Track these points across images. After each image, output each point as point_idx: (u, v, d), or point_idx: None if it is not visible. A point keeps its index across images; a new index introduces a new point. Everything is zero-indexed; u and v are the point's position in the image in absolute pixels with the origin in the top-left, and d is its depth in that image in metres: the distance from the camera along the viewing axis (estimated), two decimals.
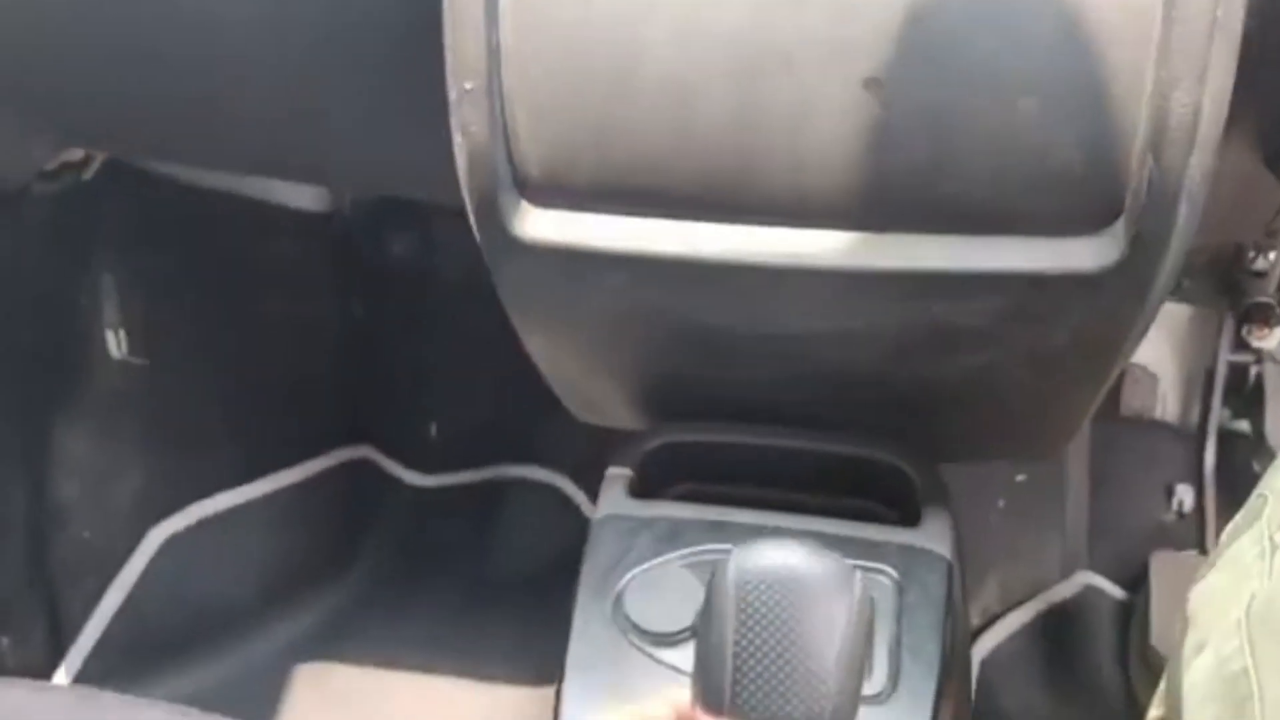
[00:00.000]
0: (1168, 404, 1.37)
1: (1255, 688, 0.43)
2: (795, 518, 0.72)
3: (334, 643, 1.34)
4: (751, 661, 0.42)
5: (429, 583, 1.41)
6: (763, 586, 0.43)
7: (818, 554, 0.43)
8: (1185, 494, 1.31)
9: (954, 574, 0.69)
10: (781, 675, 0.42)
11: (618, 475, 0.77)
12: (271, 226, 1.35)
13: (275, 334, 1.39)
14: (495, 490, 1.47)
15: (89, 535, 1.27)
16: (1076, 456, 1.38)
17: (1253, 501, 0.52)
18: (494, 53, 0.61)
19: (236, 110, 0.88)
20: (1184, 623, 0.51)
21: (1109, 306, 0.61)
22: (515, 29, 0.60)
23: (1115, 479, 1.35)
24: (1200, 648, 0.47)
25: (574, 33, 0.60)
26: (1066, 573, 1.30)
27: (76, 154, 1.16)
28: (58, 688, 1.12)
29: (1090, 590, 1.28)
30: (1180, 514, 1.31)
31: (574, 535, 0.81)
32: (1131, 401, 1.37)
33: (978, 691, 1.20)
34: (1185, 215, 0.56)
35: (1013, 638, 1.26)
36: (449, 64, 0.62)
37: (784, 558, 0.43)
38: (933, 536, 0.70)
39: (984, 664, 1.22)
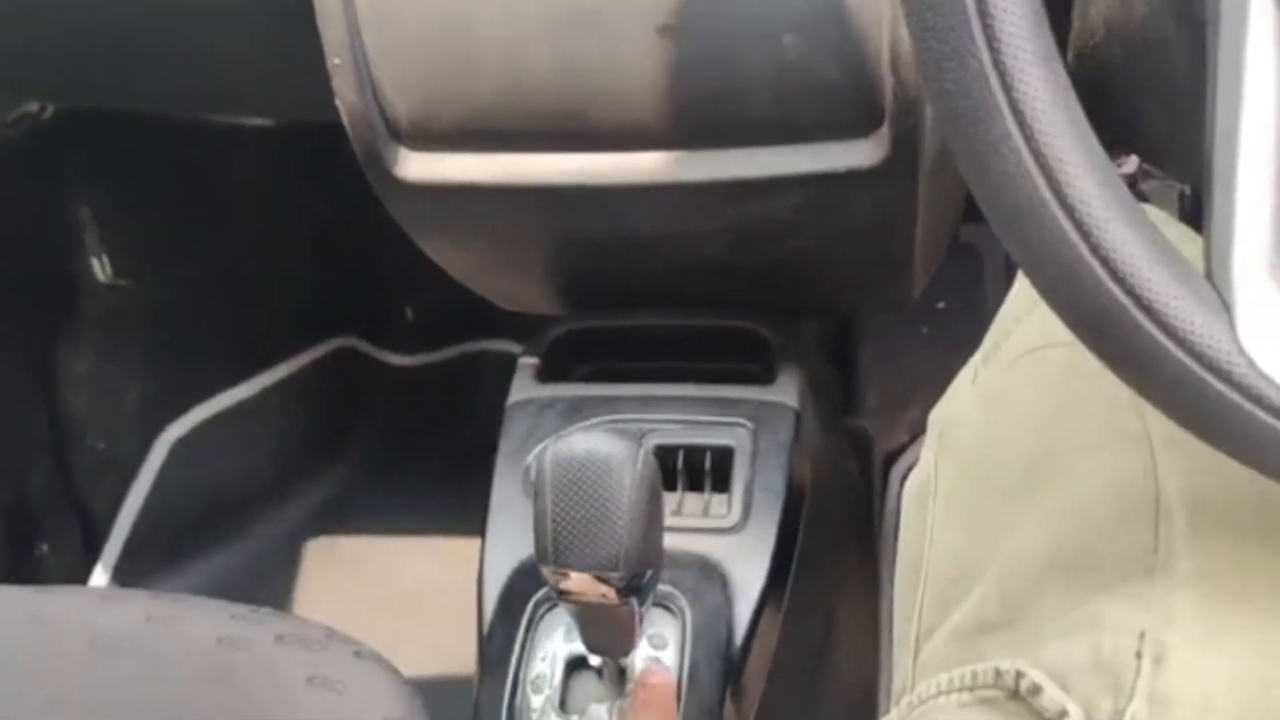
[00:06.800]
0: None
1: (932, 488, 0.55)
2: (672, 386, 0.85)
3: (337, 518, 1.45)
4: (565, 522, 0.55)
5: (417, 454, 1.50)
6: (571, 466, 0.55)
7: (611, 438, 0.56)
8: None
9: (800, 421, 0.82)
10: (588, 530, 0.55)
11: (526, 364, 0.90)
12: (228, 143, 1.41)
13: (249, 241, 1.45)
14: (469, 364, 1.56)
15: (104, 445, 1.37)
16: (994, 284, 1.48)
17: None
18: (354, 29, 0.72)
19: (167, 55, 0.98)
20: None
21: (890, 192, 0.72)
22: (369, 7, 0.71)
23: None
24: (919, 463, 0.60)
25: (417, 6, 0.71)
26: None
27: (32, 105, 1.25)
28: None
29: None
30: None
31: None
32: None
33: (900, 499, 1.33)
34: (932, 116, 0.67)
35: None
36: (323, 40, 0.73)
37: (586, 443, 0.56)
38: (783, 390, 0.83)
39: (905, 476, 1.35)
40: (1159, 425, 0.38)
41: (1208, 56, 0.36)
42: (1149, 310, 0.35)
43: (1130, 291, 0.35)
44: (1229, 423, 0.34)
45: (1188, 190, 0.69)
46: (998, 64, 0.36)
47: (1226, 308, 0.35)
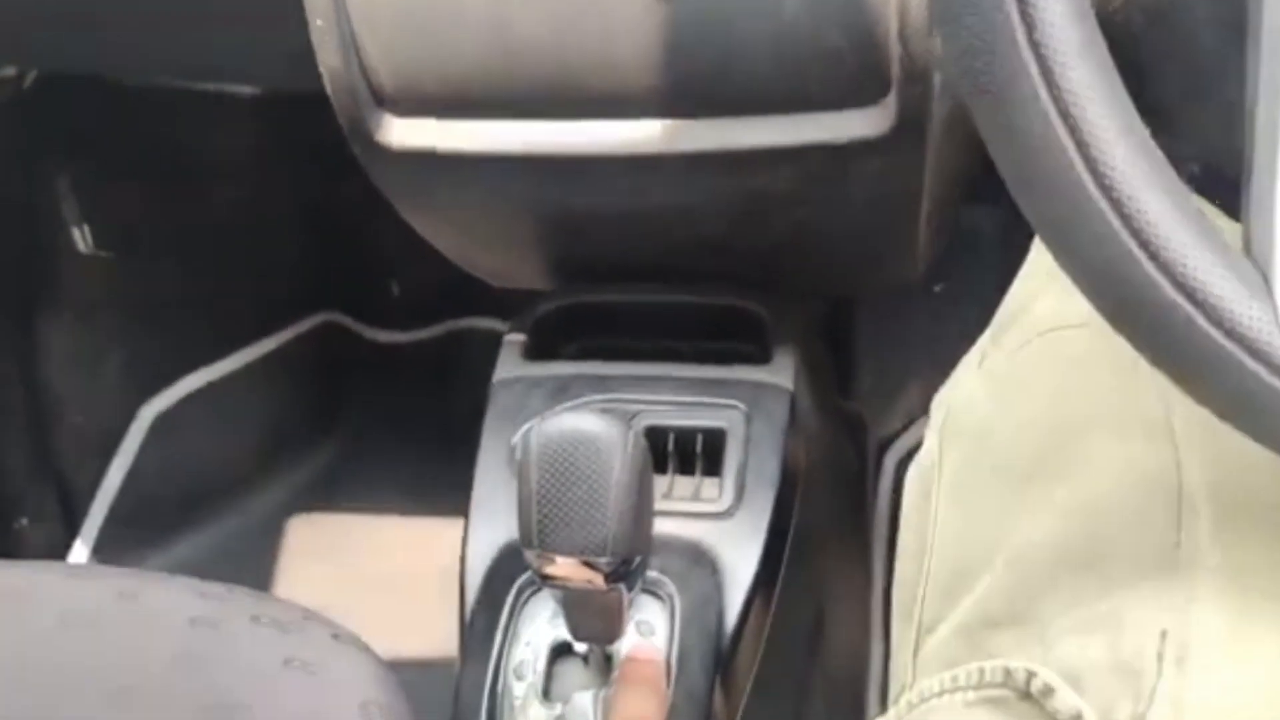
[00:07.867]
0: None
1: (936, 474, 0.53)
2: (665, 365, 0.82)
3: (320, 495, 1.42)
4: (551, 505, 0.53)
5: (403, 432, 1.48)
6: (558, 447, 0.53)
7: (600, 418, 0.54)
8: None
9: (795, 403, 0.79)
10: (574, 514, 0.53)
11: (512, 341, 0.87)
12: (211, 114, 1.37)
13: (232, 214, 1.42)
14: (456, 341, 1.53)
15: (83, 420, 1.35)
16: (993, 268, 1.45)
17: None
18: None
19: (147, 18, 0.95)
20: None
21: (897, 165, 0.70)
22: None
23: None
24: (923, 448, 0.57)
25: None
26: None
27: (9, 69, 1.22)
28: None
29: None
30: None
31: None
32: None
33: (895, 485, 1.31)
34: (940, 85, 0.65)
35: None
36: (304, 1, 0.70)
37: (574, 423, 0.53)
38: (778, 372, 0.80)
39: (900, 463, 1.33)
40: (1182, 413, 0.36)
41: (1249, 20, 0.33)
42: (1184, 287, 0.32)
43: (1165, 267, 0.32)
44: (1269, 409, 0.32)
45: (1196, 170, 0.66)
46: (1025, 15, 0.33)
47: (1268, 286, 0.32)
